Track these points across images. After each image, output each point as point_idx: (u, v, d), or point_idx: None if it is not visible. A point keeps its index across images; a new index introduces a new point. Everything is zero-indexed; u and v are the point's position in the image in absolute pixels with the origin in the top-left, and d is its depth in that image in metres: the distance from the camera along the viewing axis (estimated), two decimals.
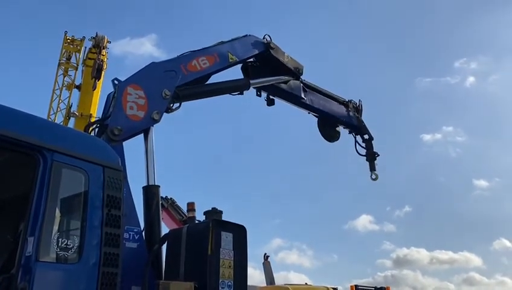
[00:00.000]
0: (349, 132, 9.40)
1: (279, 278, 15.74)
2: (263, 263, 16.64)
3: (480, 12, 48.93)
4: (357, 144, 9.42)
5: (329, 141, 9.18)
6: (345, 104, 9.14)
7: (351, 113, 9.11)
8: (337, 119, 8.92)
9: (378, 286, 15.95)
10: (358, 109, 9.44)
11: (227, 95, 7.06)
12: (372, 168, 9.34)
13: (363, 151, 9.43)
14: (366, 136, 9.44)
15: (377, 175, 9.34)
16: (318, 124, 9.12)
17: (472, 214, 46.24)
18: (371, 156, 9.35)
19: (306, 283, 12.91)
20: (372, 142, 9.46)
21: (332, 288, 10.71)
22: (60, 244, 3.51)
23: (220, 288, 4.36)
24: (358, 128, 9.34)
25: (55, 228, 3.56)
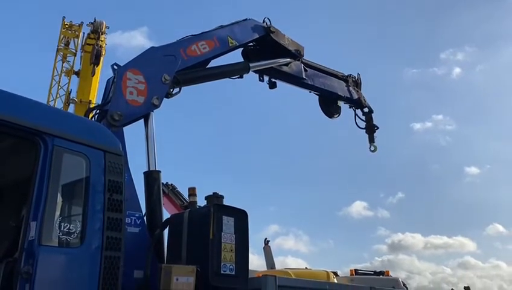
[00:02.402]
0: (349, 106, 9.46)
1: (277, 263, 15.91)
2: (263, 248, 16.80)
3: (464, 3, 48.81)
4: (356, 117, 9.52)
5: (330, 117, 9.24)
6: (345, 79, 9.17)
7: (351, 88, 9.16)
8: (338, 96, 8.95)
9: (378, 270, 16.13)
10: (357, 83, 9.54)
11: (227, 79, 7.03)
12: (371, 140, 9.48)
13: (363, 125, 9.55)
14: (366, 110, 9.56)
15: (375, 147, 9.50)
16: (319, 101, 9.16)
17: (465, 200, 46.77)
18: (371, 129, 9.49)
19: (306, 267, 13.04)
20: (372, 115, 9.59)
21: (332, 272, 10.81)
22: (62, 229, 3.53)
23: (221, 271, 4.39)
24: (358, 102, 9.42)
25: (57, 212, 3.58)
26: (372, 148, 9.52)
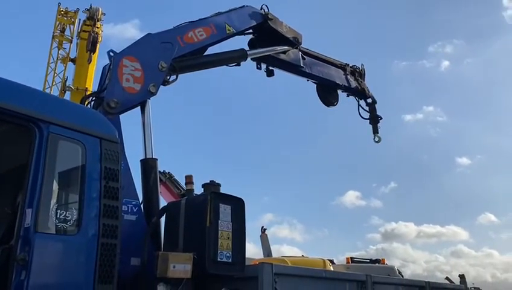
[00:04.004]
0: (347, 95, 9.44)
1: (273, 252, 15.99)
2: (260, 236, 16.86)
3: None
4: (360, 108, 9.55)
5: (328, 106, 9.21)
6: (343, 67, 9.12)
7: (348, 77, 9.12)
8: (336, 84, 8.91)
9: (374, 259, 16.26)
10: (361, 74, 9.52)
11: (224, 67, 6.97)
12: (375, 131, 9.52)
13: (366, 115, 9.58)
14: (369, 100, 9.60)
15: (379, 137, 9.57)
16: (317, 89, 9.12)
17: (457, 189, 47.31)
18: (374, 119, 9.53)
19: (302, 255, 13.11)
20: (376, 105, 9.62)
21: (329, 260, 10.88)
22: (58, 216, 3.52)
23: (218, 259, 4.41)
24: (361, 92, 9.41)
25: (53, 200, 3.57)
26: (376, 138, 9.58)
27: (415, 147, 49.04)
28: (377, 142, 9.59)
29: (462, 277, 20.04)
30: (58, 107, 4.03)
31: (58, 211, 3.54)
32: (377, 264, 15.26)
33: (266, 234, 16.88)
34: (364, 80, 9.58)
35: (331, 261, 11.90)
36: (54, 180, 3.62)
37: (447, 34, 53.39)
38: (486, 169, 47.77)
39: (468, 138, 50.38)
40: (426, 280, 7.50)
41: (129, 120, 5.31)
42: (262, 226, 17.22)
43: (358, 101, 9.56)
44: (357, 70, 9.47)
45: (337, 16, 47.48)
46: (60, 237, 3.55)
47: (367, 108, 9.60)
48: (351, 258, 15.26)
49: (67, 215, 3.58)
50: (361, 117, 9.57)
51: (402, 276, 14.44)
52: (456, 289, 10.76)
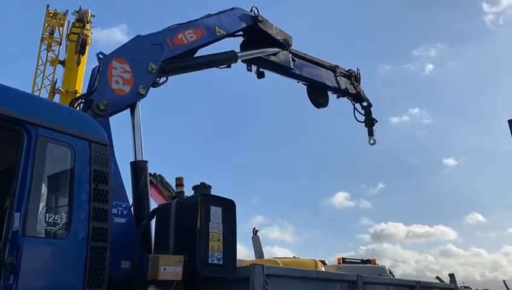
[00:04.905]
0: (338, 97, 9.55)
1: (264, 253, 16.01)
2: (252, 238, 16.88)
3: (434, 1, 49.63)
4: (355, 111, 9.71)
5: (318, 107, 9.29)
6: (333, 69, 9.20)
7: (338, 78, 9.21)
8: (326, 86, 8.98)
9: (365, 259, 16.35)
10: (357, 78, 9.70)
11: (214, 69, 6.97)
12: (371, 134, 9.69)
13: (361, 118, 9.74)
14: (364, 103, 9.76)
15: (375, 140, 9.73)
16: (307, 91, 9.17)
17: (444, 190, 47.96)
18: (370, 122, 9.68)
19: (294, 257, 13.14)
20: (371, 108, 9.79)
21: (320, 261, 10.92)
22: (47, 219, 3.49)
23: (209, 261, 4.39)
24: (356, 96, 9.58)
25: (42, 203, 3.53)
26: (372, 141, 9.73)
27: (402, 148, 49.76)
28: (372, 144, 9.74)
29: (451, 276, 20.24)
30: (47, 110, 4.00)
31: (47, 214, 3.51)
32: (368, 264, 15.36)
33: (258, 236, 16.90)
34: (360, 84, 9.76)
35: (323, 262, 11.94)
36: (43, 184, 3.59)
37: (430, 38, 54.42)
38: (472, 169, 48.59)
39: (454, 139, 51.27)
40: (416, 280, 7.56)
41: (119, 122, 5.30)
42: (254, 228, 17.25)
43: (353, 104, 9.72)
44: (353, 74, 9.66)
45: (322, 20, 47.98)
46: (49, 240, 3.52)
47: (362, 111, 9.76)
48: (343, 258, 15.34)
49: (56, 218, 3.55)
50: (357, 120, 9.74)
51: (393, 276, 14.54)
52: (446, 288, 10.85)
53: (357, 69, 9.85)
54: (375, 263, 15.42)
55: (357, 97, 9.62)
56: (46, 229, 3.48)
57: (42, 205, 3.53)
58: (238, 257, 4.80)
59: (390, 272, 14.94)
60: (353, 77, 9.62)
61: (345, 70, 9.56)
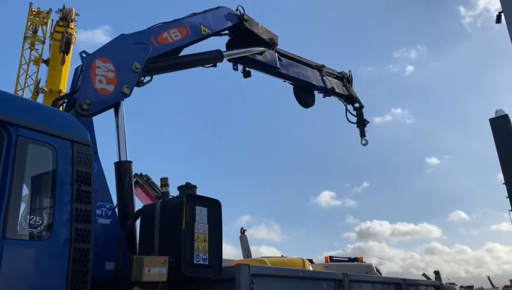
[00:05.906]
0: (324, 96, 9.60)
1: (252, 253, 16.02)
2: (240, 237, 16.88)
3: (412, 4, 50.40)
4: (347, 112, 9.84)
5: (305, 107, 9.33)
6: (319, 68, 9.24)
7: (324, 78, 9.25)
8: (312, 85, 9.01)
9: (352, 257, 16.47)
10: (349, 80, 9.86)
11: (200, 68, 6.93)
12: (363, 134, 9.84)
13: (353, 119, 9.88)
14: (356, 105, 9.92)
15: (367, 141, 9.88)
16: (294, 91, 9.19)
17: (428, 188, 48.61)
18: (362, 123, 9.84)
19: (282, 256, 13.17)
20: (363, 109, 9.95)
21: (308, 260, 10.95)
22: (28, 221, 3.43)
23: (194, 261, 4.37)
24: (349, 97, 9.73)
25: (23, 204, 3.47)
26: (364, 141, 9.88)
27: (385, 147, 50.48)
28: (364, 144, 9.89)
29: (437, 273, 20.51)
30: (27, 110, 3.92)
31: (28, 216, 3.45)
32: (355, 262, 15.47)
33: (246, 235, 16.91)
34: (352, 86, 9.90)
35: (310, 261, 11.98)
36: (24, 185, 3.53)
37: (410, 40, 55.31)
38: (454, 168, 49.41)
39: (437, 139, 52.07)
40: (402, 277, 7.62)
41: (103, 122, 5.23)
42: (242, 228, 17.26)
43: (345, 106, 9.86)
44: (345, 76, 9.81)
45: (305, 22, 48.16)
46: (30, 242, 3.46)
47: (354, 112, 9.89)
48: (330, 257, 15.42)
49: (37, 220, 3.49)
50: (349, 121, 9.88)
51: (380, 273, 14.65)
52: (431, 285, 10.95)
53: (349, 71, 10.00)
54: (362, 261, 15.53)
55: (349, 99, 9.78)
56: (27, 231, 3.42)
57: (23, 206, 3.47)
58: (225, 257, 4.79)
59: (377, 270, 15.06)
60: (345, 79, 9.77)
61: (337, 72, 9.67)
